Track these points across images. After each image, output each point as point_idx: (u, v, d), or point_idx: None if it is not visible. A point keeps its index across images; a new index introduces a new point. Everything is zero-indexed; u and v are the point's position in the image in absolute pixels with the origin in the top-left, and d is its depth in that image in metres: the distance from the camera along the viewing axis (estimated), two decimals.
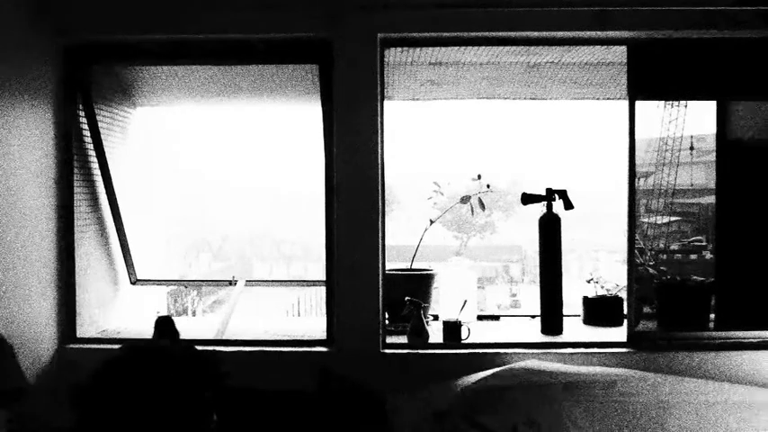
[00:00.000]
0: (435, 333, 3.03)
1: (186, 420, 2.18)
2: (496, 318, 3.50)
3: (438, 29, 2.87)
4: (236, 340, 3.03)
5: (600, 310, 3.29)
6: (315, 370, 2.76)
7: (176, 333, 2.52)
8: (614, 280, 3.37)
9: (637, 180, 2.96)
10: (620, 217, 2.99)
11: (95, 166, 3.23)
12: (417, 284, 3.25)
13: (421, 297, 3.06)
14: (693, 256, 3.49)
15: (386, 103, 2.96)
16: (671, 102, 3.29)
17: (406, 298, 3.02)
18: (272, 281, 4.13)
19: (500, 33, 2.89)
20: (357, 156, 2.88)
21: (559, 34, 2.89)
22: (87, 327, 3.14)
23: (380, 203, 2.91)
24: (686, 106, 3.30)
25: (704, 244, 3.48)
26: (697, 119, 3.32)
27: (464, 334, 2.98)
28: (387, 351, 2.92)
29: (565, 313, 3.16)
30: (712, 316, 3.11)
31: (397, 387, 2.78)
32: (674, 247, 3.49)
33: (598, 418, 2.47)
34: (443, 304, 3.34)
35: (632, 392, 2.54)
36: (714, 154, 3.21)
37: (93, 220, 3.22)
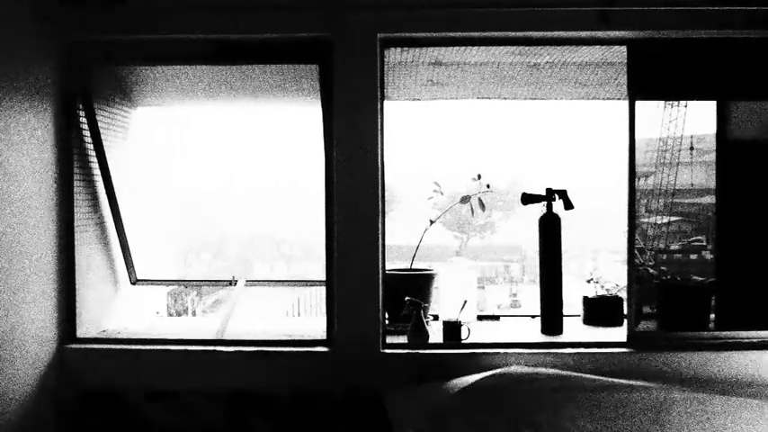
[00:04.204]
0: (435, 333, 3.03)
1: None
2: (496, 318, 3.50)
3: (438, 29, 2.87)
4: (236, 340, 3.03)
5: (600, 310, 3.29)
6: (315, 370, 2.77)
7: None
8: (614, 280, 3.37)
9: (637, 180, 2.96)
10: (620, 217, 2.99)
11: (95, 166, 3.23)
12: (417, 284, 3.25)
13: (421, 297, 3.07)
14: (693, 256, 3.49)
15: (386, 103, 2.96)
16: (671, 102, 3.29)
17: (406, 298, 3.02)
18: (272, 281, 4.12)
19: (500, 33, 2.89)
20: (357, 156, 2.88)
21: (560, 34, 2.89)
22: (87, 327, 3.14)
23: (380, 203, 2.91)
24: (686, 106, 3.30)
25: (704, 244, 3.48)
26: (697, 119, 3.31)
27: (464, 334, 2.98)
28: (387, 351, 2.92)
29: (565, 313, 3.16)
30: (712, 316, 3.11)
31: (397, 387, 2.78)
32: (674, 247, 3.49)
33: (598, 418, 2.47)
34: (443, 304, 3.34)
35: (632, 396, 2.54)
36: (714, 154, 3.21)
37: (93, 220, 3.22)
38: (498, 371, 2.70)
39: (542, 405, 2.50)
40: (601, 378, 2.67)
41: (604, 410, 2.49)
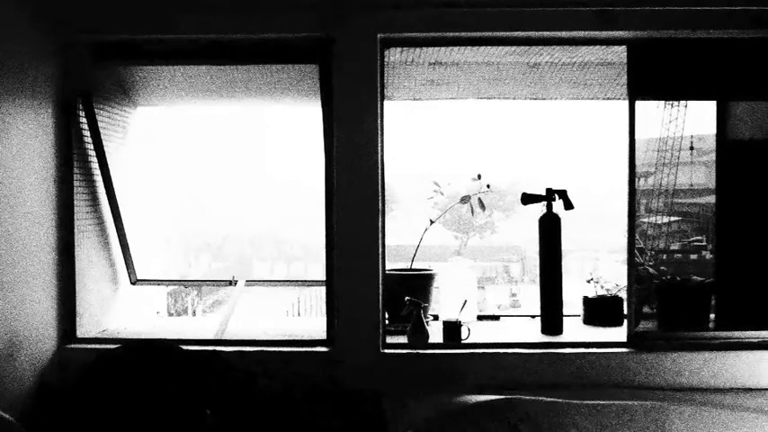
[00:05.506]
0: (435, 333, 3.03)
1: (180, 418, 2.17)
2: (496, 318, 3.50)
3: (438, 29, 2.87)
4: (236, 340, 3.03)
5: (600, 310, 3.29)
6: (315, 370, 2.77)
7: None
8: (614, 280, 3.37)
9: (637, 180, 2.96)
10: (620, 217, 2.99)
11: (95, 166, 3.23)
12: (417, 284, 3.25)
13: (421, 297, 3.06)
14: (693, 256, 3.49)
15: (386, 103, 2.96)
16: (671, 102, 3.29)
17: (406, 298, 3.02)
18: (272, 281, 4.13)
19: (500, 33, 2.89)
20: (357, 156, 2.88)
21: (559, 34, 2.89)
22: (87, 327, 3.14)
23: (380, 203, 2.91)
24: (686, 106, 3.30)
25: (704, 244, 3.48)
26: (697, 119, 3.31)
27: (464, 334, 2.98)
28: (387, 351, 2.92)
29: (565, 313, 3.16)
30: (712, 316, 3.11)
31: (397, 387, 2.78)
32: (674, 247, 3.49)
33: (598, 417, 2.47)
34: (443, 304, 3.34)
35: (634, 405, 2.53)
36: (714, 154, 3.21)
37: (93, 220, 3.22)
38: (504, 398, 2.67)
39: (543, 406, 2.51)
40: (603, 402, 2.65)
41: (606, 416, 2.50)
